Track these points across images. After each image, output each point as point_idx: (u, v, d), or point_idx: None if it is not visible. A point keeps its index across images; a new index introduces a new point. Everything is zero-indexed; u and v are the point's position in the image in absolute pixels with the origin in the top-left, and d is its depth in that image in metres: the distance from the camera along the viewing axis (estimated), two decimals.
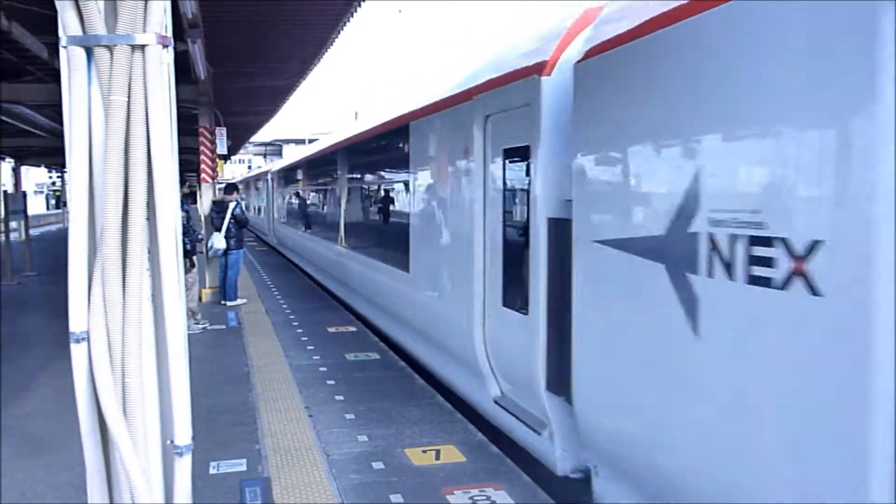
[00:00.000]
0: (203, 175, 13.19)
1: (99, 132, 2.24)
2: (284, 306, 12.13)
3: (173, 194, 2.31)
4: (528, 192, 5.06)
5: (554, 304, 4.75)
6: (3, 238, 15.92)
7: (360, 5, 9.97)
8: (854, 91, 2.53)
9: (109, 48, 2.21)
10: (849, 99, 2.56)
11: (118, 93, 2.20)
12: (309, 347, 8.92)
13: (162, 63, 2.26)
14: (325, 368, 7.88)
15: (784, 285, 2.78)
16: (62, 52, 2.24)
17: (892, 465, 2.42)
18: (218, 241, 11.69)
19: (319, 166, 15.73)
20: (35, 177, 54.08)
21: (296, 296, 13.40)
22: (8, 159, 28.24)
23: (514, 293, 5.42)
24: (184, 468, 2.37)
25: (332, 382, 7.32)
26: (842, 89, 2.58)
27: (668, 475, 3.66)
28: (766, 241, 2.87)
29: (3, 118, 15.57)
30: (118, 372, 2.22)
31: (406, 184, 8.52)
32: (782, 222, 2.82)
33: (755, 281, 2.93)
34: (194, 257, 10.06)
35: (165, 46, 2.28)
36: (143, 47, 2.22)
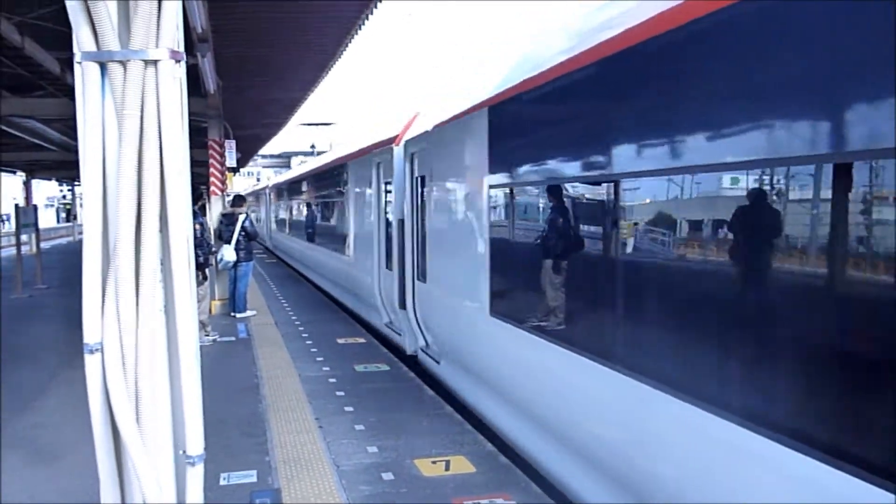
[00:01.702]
0: (213, 188, 13.27)
1: (112, 146, 2.27)
2: (294, 317, 12.15)
3: (186, 207, 2.34)
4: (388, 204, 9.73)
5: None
6: (15, 251, 16.03)
7: (367, 19, 10.03)
8: None
9: (123, 63, 2.24)
10: None
11: (131, 107, 2.23)
12: (318, 359, 8.93)
13: (175, 77, 2.29)
14: (334, 380, 7.89)
15: None
16: (76, 67, 2.28)
17: None
18: (228, 252, 11.72)
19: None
20: (46, 190, 54.45)
21: (305, 307, 13.42)
22: (19, 173, 28.46)
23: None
24: (196, 478, 2.40)
25: (342, 393, 7.32)
26: None
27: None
28: None
29: (15, 132, 15.71)
30: (131, 382, 2.25)
31: None
32: None
33: None
34: (206, 270, 10.10)
35: (178, 61, 2.31)
36: (155, 62, 2.26)
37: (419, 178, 8.42)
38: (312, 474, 5.20)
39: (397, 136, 9.64)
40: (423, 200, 8.26)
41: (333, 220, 14.77)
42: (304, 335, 10.51)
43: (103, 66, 2.27)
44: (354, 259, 12.11)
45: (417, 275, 8.49)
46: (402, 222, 9.10)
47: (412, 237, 8.68)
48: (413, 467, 5.33)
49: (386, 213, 10.03)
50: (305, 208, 19.47)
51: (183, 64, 2.36)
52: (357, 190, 12.04)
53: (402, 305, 9.19)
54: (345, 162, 13.37)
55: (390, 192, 9.76)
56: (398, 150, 9.50)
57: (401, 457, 5.55)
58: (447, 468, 5.31)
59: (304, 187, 19.58)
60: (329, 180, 15.39)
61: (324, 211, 16.56)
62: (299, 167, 26.62)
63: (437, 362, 8.00)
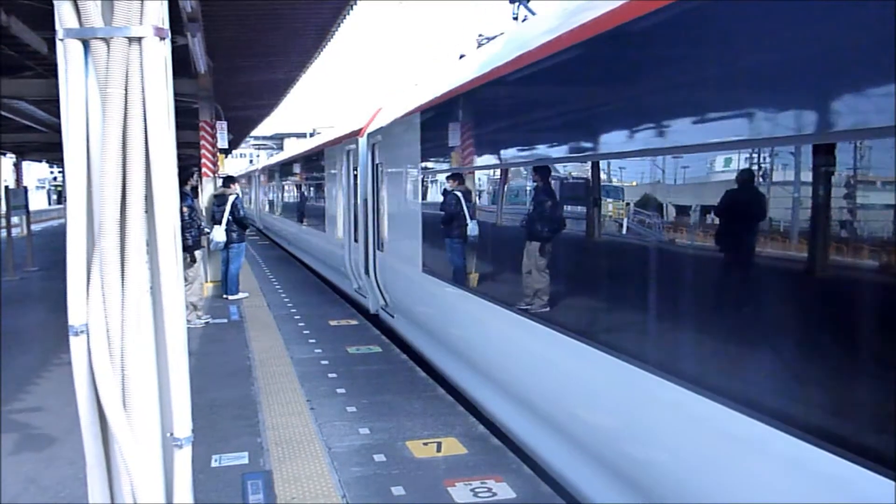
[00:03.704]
0: (204, 170, 13.19)
1: (96, 125, 2.24)
2: (286, 300, 12.14)
3: (172, 187, 2.31)
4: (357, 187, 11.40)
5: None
6: (5, 233, 15.93)
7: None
8: None
9: (106, 41, 2.20)
10: None
11: (115, 85, 2.20)
12: (311, 341, 8.93)
13: (159, 55, 2.25)
14: (326, 362, 7.89)
15: None
16: (59, 45, 2.24)
17: None
18: (218, 233, 11.67)
19: None
20: (36, 172, 54.08)
21: (297, 289, 13.41)
22: (9, 154, 28.23)
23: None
24: (183, 460, 2.38)
25: (334, 376, 7.33)
26: None
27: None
28: None
29: (4, 113, 15.56)
30: (117, 365, 2.23)
31: None
32: None
33: None
34: (196, 252, 10.05)
35: (163, 39, 2.27)
36: (139, 40, 2.22)
37: None
38: (304, 456, 5.20)
39: None
40: None
41: None
42: (296, 317, 10.50)
43: (86, 44, 2.22)
44: None
45: None
46: None
47: None
48: (405, 449, 5.34)
49: None
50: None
51: (168, 42, 2.32)
52: None
53: None
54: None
55: None
56: None
57: (392, 438, 5.56)
58: (439, 450, 5.32)
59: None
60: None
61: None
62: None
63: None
